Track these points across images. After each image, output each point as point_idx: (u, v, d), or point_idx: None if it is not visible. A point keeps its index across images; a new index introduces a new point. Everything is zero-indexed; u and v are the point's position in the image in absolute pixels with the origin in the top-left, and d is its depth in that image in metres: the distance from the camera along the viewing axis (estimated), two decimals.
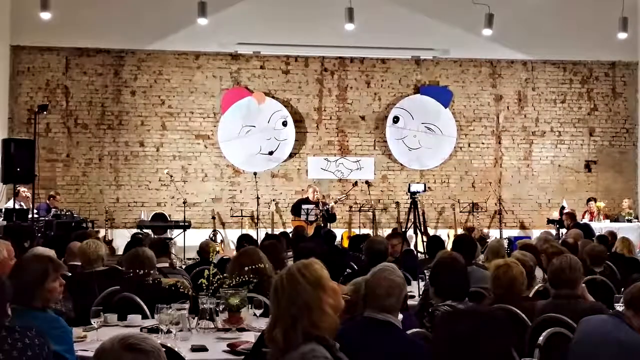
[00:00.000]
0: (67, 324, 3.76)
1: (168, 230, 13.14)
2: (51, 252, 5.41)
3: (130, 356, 2.20)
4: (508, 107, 14.66)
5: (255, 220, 13.43)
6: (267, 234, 11.64)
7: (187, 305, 4.32)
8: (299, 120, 14.16)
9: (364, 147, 14.34)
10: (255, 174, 13.60)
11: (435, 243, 7.83)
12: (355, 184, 13.87)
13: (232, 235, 13.35)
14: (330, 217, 12.94)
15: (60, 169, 13.75)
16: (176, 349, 3.64)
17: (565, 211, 13.10)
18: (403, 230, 12.88)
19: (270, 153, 13.96)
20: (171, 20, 13.51)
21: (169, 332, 4.04)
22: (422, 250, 11.16)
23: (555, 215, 13.63)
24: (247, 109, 13.96)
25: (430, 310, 4.42)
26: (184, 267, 8.32)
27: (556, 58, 14.64)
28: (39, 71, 13.76)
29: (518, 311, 4.43)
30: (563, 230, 12.20)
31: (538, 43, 14.17)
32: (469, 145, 14.54)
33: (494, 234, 13.49)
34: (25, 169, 10.81)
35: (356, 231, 13.28)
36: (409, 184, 13.01)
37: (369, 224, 13.89)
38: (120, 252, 9.91)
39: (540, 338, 3.94)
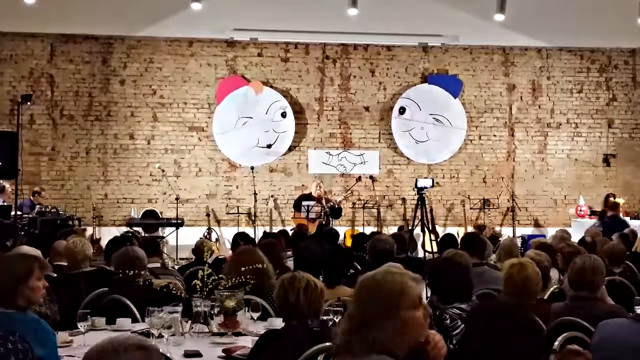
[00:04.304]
0: (52, 327, 3.75)
1: (160, 228, 13.14)
2: (37, 252, 5.42)
3: (139, 354, 2.18)
4: (521, 97, 14.64)
5: (253, 218, 13.43)
6: (265, 232, 11.66)
7: (179, 308, 4.32)
8: (299, 111, 14.15)
9: (368, 139, 14.33)
10: (252, 168, 13.59)
11: (447, 241, 7.84)
12: (359, 179, 13.85)
13: (227, 233, 13.35)
14: (335, 211, 12.88)
15: (45, 163, 13.76)
16: (168, 355, 3.65)
17: (610, 199, 12.89)
18: (410, 228, 12.89)
19: (269, 146, 13.95)
20: (163, 4, 13.41)
21: (160, 336, 4.04)
22: (429, 249, 11.18)
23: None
24: (243, 100, 13.94)
25: (438, 314, 4.42)
26: (176, 267, 8.35)
27: (573, 45, 14.62)
28: (23, 59, 13.75)
29: (532, 314, 4.43)
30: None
31: (553, 29, 14.08)
32: (480, 138, 14.53)
33: (506, 232, 13.49)
34: (8, 163, 10.80)
35: (360, 229, 13.27)
36: (416, 179, 12.88)
37: (373, 221, 13.89)
38: None
39: (556, 343, 3.94)
